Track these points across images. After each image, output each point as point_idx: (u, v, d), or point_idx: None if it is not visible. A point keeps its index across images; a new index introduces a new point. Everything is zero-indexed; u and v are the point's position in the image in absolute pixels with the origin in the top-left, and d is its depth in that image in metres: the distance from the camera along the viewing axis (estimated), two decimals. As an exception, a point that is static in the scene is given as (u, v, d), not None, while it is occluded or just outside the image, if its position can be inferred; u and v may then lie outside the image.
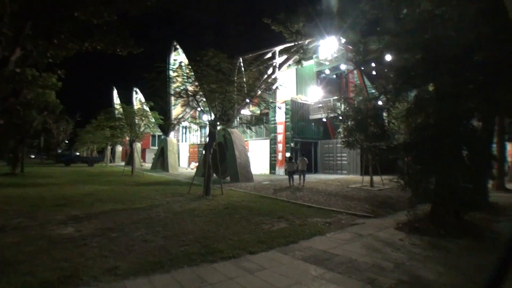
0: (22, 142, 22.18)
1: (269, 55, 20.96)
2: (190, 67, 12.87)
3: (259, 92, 14.29)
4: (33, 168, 31.88)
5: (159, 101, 13.59)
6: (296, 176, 17.55)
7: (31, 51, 11.87)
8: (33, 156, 62.36)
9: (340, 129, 17.33)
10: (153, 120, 25.52)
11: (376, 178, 16.66)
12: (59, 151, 55.49)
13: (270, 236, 6.82)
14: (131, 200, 11.69)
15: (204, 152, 13.27)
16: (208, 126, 13.50)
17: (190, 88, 13.22)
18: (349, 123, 16.57)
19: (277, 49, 20.04)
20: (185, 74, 12.73)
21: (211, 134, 13.10)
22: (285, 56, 21.99)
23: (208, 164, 12.77)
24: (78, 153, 53.31)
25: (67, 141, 64.94)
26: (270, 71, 21.37)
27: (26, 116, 21.73)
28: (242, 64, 14.17)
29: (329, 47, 28.06)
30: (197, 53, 12.10)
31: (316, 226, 7.91)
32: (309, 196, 12.90)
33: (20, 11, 10.60)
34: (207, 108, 13.36)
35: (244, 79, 13.64)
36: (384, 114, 16.15)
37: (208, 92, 12.32)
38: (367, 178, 17.05)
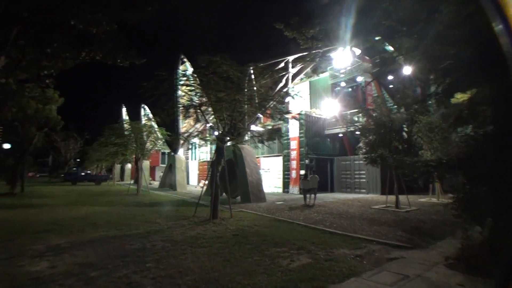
0: (21, 160, 21.02)
1: (282, 65, 19.66)
2: (195, 75, 11.62)
3: (272, 103, 12.85)
4: (37, 187, 30.81)
5: (162, 113, 12.21)
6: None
7: (19, 61, 10.76)
8: (40, 175, 61.97)
9: (361, 144, 15.79)
10: (160, 136, 24.36)
11: (393, 198, 15.15)
12: (71, 169, 54.86)
13: (290, 277, 5.30)
14: (127, 225, 10.27)
15: (211, 170, 11.80)
16: (216, 141, 12.12)
17: (196, 99, 11.91)
18: (370, 137, 15.07)
19: (290, 58, 18.73)
20: (189, 83, 11.46)
21: (219, 150, 11.69)
22: (299, 67, 20.68)
23: (216, 183, 11.33)
24: (89, 171, 52.46)
25: (78, 159, 64.47)
26: (282, 83, 20.02)
27: (25, 132, 20.68)
28: (252, 74, 12.80)
29: (344, 58, 26.79)
30: (202, 60, 10.83)
31: (345, 261, 6.34)
32: (330, 220, 11.33)
33: (4, 15, 9.51)
34: (215, 121, 12.03)
35: (255, 88, 12.26)
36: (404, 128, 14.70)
37: (215, 102, 10.99)
38: (391, 198, 15.41)
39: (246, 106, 12.34)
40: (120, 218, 11.82)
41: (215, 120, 12.18)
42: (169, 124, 25.08)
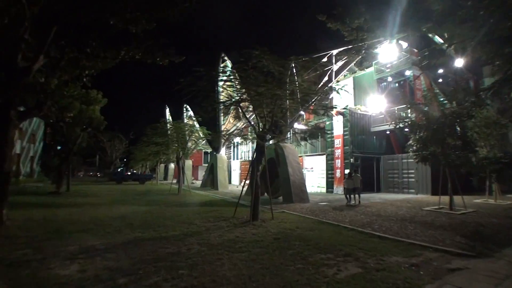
0: (66, 159, 21.71)
1: (325, 59, 18.87)
2: (234, 70, 11.26)
3: (315, 99, 12.19)
4: (83, 186, 32.02)
5: (201, 112, 11.96)
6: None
7: (59, 60, 10.87)
8: (88, 174, 64.75)
9: (411, 141, 14.75)
10: (201, 135, 24.39)
11: (447, 199, 14.03)
12: (118, 169, 56.93)
13: (337, 290, 4.75)
14: (164, 226, 10.08)
15: (251, 169, 11.38)
16: (256, 139, 11.68)
17: (235, 95, 11.54)
18: (421, 133, 14.03)
19: (334, 52, 17.89)
20: (228, 78, 11.10)
21: (259, 148, 11.24)
22: (343, 62, 19.79)
23: (256, 183, 10.90)
24: (134, 171, 54.09)
25: (124, 159, 66.83)
26: (326, 78, 19.24)
27: (69, 133, 21.34)
28: (294, 70, 12.22)
29: (390, 52, 25.58)
30: (242, 54, 10.42)
31: (399, 271, 5.67)
32: (378, 222, 10.57)
33: (43, 15, 9.59)
34: (256, 118, 11.61)
35: (297, 83, 11.67)
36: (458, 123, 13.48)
37: (255, 97, 10.55)
38: (443, 199, 14.29)
39: (287, 101, 11.80)
40: (158, 218, 11.69)
41: (255, 117, 11.74)
42: (210, 123, 25.15)
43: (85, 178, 65.23)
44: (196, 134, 23.93)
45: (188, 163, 42.88)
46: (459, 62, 24.62)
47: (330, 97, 18.08)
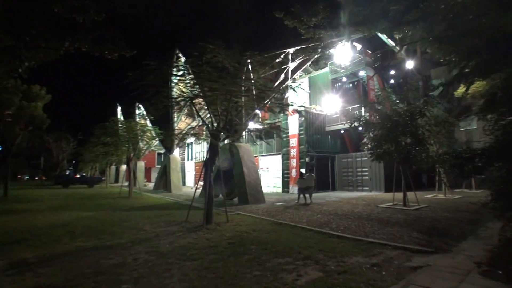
0: (4, 162, 19.83)
1: (281, 58, 18.56)
2: (186, 65, 10.60)
3: (271, 96, 11.79)
4: (24, 191, 29.70)
5: (151, 109, 11.10)
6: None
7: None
8: (33, 178, 60.73)
9: (365, 140, 14.80)
10: (153, 135, 23.24)
11: (400, 195, 14.27)
12: (68, 171, 53.74)
13: (297, 298, 4.30)
14: (110, 233, 9.23)
15: (204, 169, 10.73)
16: (210, 138, 11.06)
17: (187, 91, 10.84)
18: (376, 131, 14.11)
19: (291, 50, 17.60)
20: (179, 73, 10.42)
21: (213, 148, 10.63)
22: (299, 61, 19.58)
23: (210, 184, 10.29)
24: (84, 173, 51.32)
25: (74, 161, 63.27)
26: (282, 77, 18.96)
27: (7, 132, 19.48)
28: (250, 66, 11.75)
29: (345, 53, 25.97)
30: (195, 48, 9.77)
31: (361, 273, 5.34)
32: (336, 221, 10.33)
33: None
34: (209, 116, 11.00)
35: (253, 81, 11.20)
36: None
37: (208, 93, 9.95)
38: (397, 195, 14.46)
39: (243, 98, 11.31)
40: (104, 224, 10.77)
41: (209, 115, 11.12)
42: (163, 122, 24.06)
43: (29, 182, 61.02)
44: (148, 134, 22.72)
45: (141, 164, 41.19)
46: (410, 64, 25.63)
47: (286, 96, 17.85)
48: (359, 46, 27.06)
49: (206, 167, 10.56)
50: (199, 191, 14.25)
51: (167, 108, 11.14)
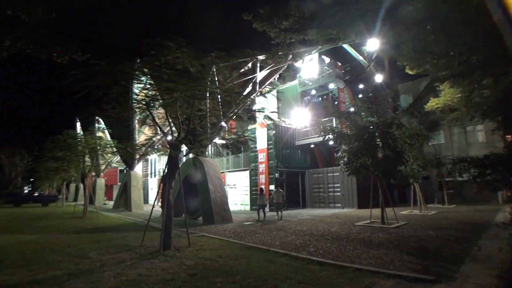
0: None
1: (249, 65, 17.47)
2: (140, 65, 9.18)
3: (239, 102, 10.53)
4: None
5: (101, 117, 9.45)
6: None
7: None
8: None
9: (341, 153, 13.86)
10: (112, 149, 21.30)
11: (376, 212, 13.66)
12: (26, 189, 49.75)
13: None
14: (47, 262, 7.51)
15: (162, 186, 9.20)
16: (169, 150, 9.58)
17: (141, 94, 9.36)
18: (352, 144, 13.22)
19: (260, 57, 16.50)
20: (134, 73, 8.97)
21: (172, 160, 9.14)
22: (267, 70, 18.60)
23: (168, 203, 8.79)
24: (41, 191, 47.66)
25: (31, 179, 59.01)
26: (249, 88, 17.84)
27: None
28: (215, 69, 10.51)
29: (314, 66, 25.48)
30: (152, 45, 8.38)
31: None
32: (313, 243, 9.10)
33: None
34: (167, 123, 9.56)
35: (217, 84, 9.94)
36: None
37: (165, 94, 8.56)
38: (373, 212, 13.61)
39: (208, 104, 9.98)
40: (42, 251, 8.98)
41: (168, 123, 9.67)
42: (124, 136, 22.18)
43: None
44: (107, 149, 20.72)
45: (101, 181, 38.51)
46: (379, 78, 25.42)
47: (254, 106, 16.71)
48: (327, 60, 26.65)
49: (165, 183, 9.04)
50: (159, 210, 12.57)
51: (119, 113, 9.54)
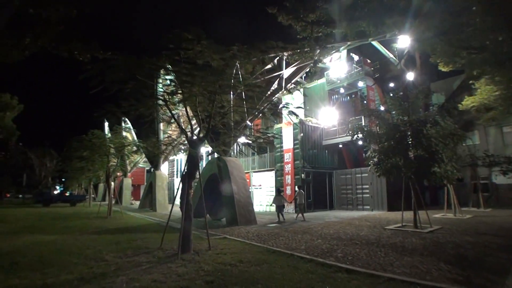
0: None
1: (274, 63, 16.97)
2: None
3: (264, 98, 10.07)
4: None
5: (114, 109, 9.05)
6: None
7: None
8: (17, 196, 58.06)
9: (370, 152, 13.19)
10: (134, 148, 21.27)
11: (407, 215, 12.88)
12: (57, 189, 51.31)
13: None
14: (61, 265, 7.30)
15: (182, 186, 8.84)
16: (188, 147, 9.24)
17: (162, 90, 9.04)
18: (382, 143, 12.54)
19: (286, 53, 15.93)
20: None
21: (191, 159, 8.78)
22: (293, 68, 18.05)
23: (187, 203, 8.45)
24: (72, 191, 48.98)
25: (63, 179, 60.81)
26: (275, 85, 17.35)
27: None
28: (238, 63, 10.06)
29: (342, 64, 24.77)
30: (169, 38, 8.04)
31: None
32: (340, 248, 8.53)
33: None
34: (186, 119, 9.22)
35: (241, 76, 9.50)
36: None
37: (184, 88, 8.19)
38: (407, 215, 12.88)
39: (231, 101, 9.56)
40: (59, 252, 8.83)
41: (188, 120, 9.32)
42: (148, 136, 22.15)
43: (12, 200, 58.09)
44: (130, 148, 20.72)
45: (127, 181, 39.06)
46: (410, 76, 24.37)
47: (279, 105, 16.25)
48: (356, 57, 25.85)
49: (184, 182, 8.70)
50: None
51: (137, 110, 9.24)
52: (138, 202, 37.50)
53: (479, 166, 21.84)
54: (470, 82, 18.52)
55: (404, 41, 21.26)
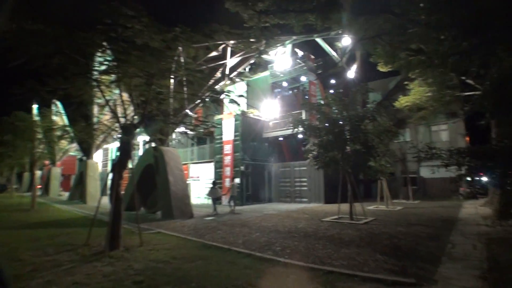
0: None
1: (218, 51, 16.39)
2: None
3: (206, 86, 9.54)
4: None
5: (45, 94, 8.00)
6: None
7: None
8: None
9: (309, 146, 13.27)
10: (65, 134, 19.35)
11: (343, 207, 13.09)
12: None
13: None
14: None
15: (112, 176, 8.08)
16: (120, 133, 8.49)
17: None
18: (322, 137, 12.64)
19: (231, 43, 15.38)
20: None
21: (124, 146, 8.08)
22: (238, 58, 17.62)
23: (117, 195, 7.74)
24: None
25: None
26: (218, 75, 16.82)
27: None
28: (181, 48, 9.40)
29: (286, 58, 24.90)
30: (104, 12, 7.22)
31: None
32: (279, 241, 8.34)
33: None
34: (118, 103, 8.47)
35: (183, 59, 8.88)
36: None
37: (118, 68, 7.45)
38: (343, 207, 13.12)
39: (171, 85, 8.91)
40: (-34, 251, 7.71)
41: (122, 103, 8.55)
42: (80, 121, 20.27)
43: None
44: (56, 133, 18.64)
45: (56, 171, 35.94)
46: (350, 74, 25.16)
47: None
48: (301, 53, 26.10)
49: (114, 172, 7.96)
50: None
51: (65, 90, 8.24)
52: (68, 194, 34.98)
53: (409, 161, 23.26)
54: (405, 83, 19.46)
55: (347, 40, 21.84)
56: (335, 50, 25.22)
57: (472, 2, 5.91)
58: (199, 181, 24.31)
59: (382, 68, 17.05)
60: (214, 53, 16.27)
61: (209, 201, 16.65)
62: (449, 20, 6.29)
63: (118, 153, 8.14)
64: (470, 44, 6.43)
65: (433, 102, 17.22)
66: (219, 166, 22.39)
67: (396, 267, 5.88)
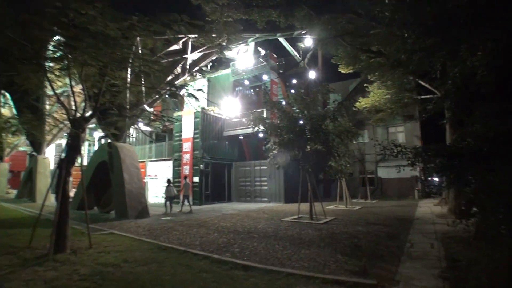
0: None
1: (178, 45, 15.83)
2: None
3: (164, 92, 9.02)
4: None
5: None
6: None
7: None
8: None
9: (270, 144, 13.11)
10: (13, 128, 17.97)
11: (303, 207, 13.17)
12: None
13: None
14: None
15: (58, 172, 7.44)
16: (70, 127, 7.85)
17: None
18: (282, 136, 12.51)
19: (191, 36, 14.86)
20: None
21: (73, 141, 7.48)
22: (199, 53, 17.13)
23: (64, 193, 7.14)
24: None
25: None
26: (178, 70, 16.28)
27: None
28: (138, 38, 8.84)
29: (248, 56, 24.71)
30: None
31: None
32: (238, 242, 8.08)
33: None
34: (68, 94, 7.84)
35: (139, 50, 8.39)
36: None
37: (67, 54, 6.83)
38: (302, 207, 13.17)
39: (128, 77, 8.37)
40: None
41: (72, 94, 7.90)
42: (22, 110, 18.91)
43: None
44: (5, 126, 17.26)
45: (4, 166, 33.40)
46: (312, 75, 25.41)
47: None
48: (263, 52, 25.99)
49: (61, 168, 7.35)
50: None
51: (7, 77, 7.53)
52: (16, 191, 32.80)
53: (367, 162, 23.83)
54: (365, 85, 19.82)
55: (309, 41, 21.94)
56: (297, 51, 25.37)
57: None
58: (157, 179, 23.52)
59: (343, 70, 17.25)
60: (175, 47, 15.75)
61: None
62: (413, 18, 6.32)
63: (66, 148, 7.51)
64: (434, 42, 6.48)
65: (391, 104, 17.62)
66: (177, 164, 21.75)
67: (357, 267, 5.81)
